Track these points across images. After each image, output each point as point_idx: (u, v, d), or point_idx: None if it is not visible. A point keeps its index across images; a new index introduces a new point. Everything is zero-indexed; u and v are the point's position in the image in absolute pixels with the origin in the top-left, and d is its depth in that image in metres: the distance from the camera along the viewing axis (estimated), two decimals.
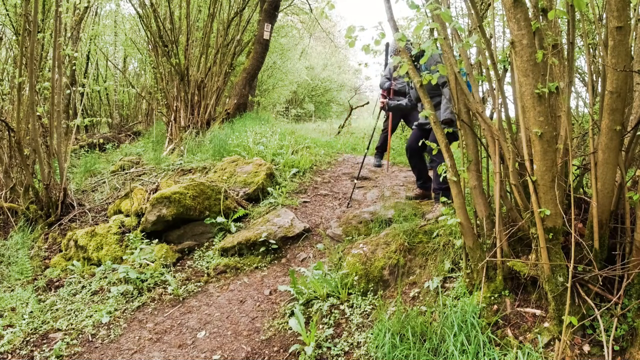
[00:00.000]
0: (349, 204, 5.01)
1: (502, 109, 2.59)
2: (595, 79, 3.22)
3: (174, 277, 3.88)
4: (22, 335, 3.17)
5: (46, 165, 5.28)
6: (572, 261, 2.16)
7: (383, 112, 6.11)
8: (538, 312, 2.40)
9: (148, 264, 3.98)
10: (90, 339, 3.11)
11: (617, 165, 2.18)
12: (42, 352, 2.99)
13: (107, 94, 11.43)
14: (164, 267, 4.01)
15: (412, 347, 2.41)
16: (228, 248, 4.21)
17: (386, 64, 6.24)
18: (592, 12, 2.60)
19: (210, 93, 8.29)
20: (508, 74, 2.68)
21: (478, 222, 2.79)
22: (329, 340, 2.81)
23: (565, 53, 2.41)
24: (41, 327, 3.29)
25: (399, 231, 3.47)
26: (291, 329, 2.98)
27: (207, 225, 4.55)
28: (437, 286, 2.87)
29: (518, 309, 2.46)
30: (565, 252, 2.30)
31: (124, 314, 3.40)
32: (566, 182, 2.41)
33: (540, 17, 2.35)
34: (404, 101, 4.57)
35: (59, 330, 3.25)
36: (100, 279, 3.95)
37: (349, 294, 3.22)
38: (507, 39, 2.48)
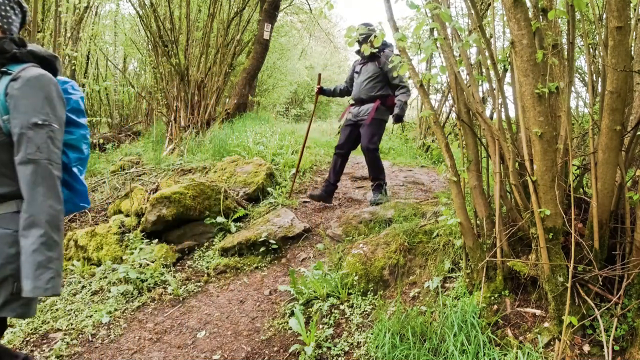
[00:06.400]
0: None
1: (502, 109, 2.59)
2: (595, 79, 3.22)
3: (174, 277, 3.88)
4: (22, 335, 3.17)
5: None
6: (572, 261, 2.16)
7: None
8: (538, 312, 2.40)
9: (148, 264, 3.97)
10: (90, 339, 3.11)
11: (617, 165, 2.18)
12: (42, 352, 2.99)
13: (107, 94, 11.40)
14: (164, 267, 4.01)
15: (412, 347, 2.41)
16: (228, 248, 4.21)
17: None
18: (592, 12, 2.60)
19: (210, 93, 8.29)
20: (508, 74, 2.68)
21: (478, 222, 2.79)
22: (329, 340, 2.81)
23: (565, 53, 2.41)
24: (41, 327, 3.29)
25: (399, 231, 3.47)
26: (291, 329, 2.98)
27: (207, 225, 4.55)
28: (437, 286, 2.87)
29: (518, 309, 2.46)
30: (565, 252, 2.30)
31: (124, 314, 3.40)
32: (566, 182, 2.41)
33: (540, 17, 2.35)
34: None
35: (59, 330, 3.25)
36: (100, 279, 3.94)
37: (349, 294, 3.22)
38: (507, 39, 2.49)
